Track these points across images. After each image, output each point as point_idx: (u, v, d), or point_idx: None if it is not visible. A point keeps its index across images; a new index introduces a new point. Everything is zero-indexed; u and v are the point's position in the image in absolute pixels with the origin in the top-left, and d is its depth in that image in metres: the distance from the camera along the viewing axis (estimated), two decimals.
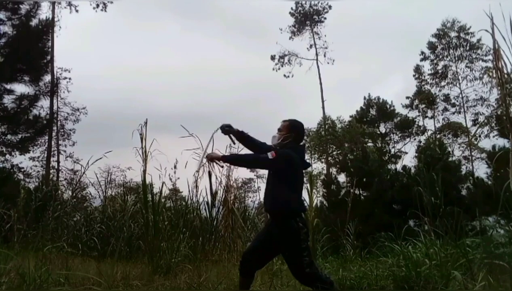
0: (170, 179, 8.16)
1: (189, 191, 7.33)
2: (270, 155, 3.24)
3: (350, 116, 30.02)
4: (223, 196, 7.44)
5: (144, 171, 5.99)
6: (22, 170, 20.45)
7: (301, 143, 3.63)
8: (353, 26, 43.56)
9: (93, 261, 5.90)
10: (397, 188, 14.36)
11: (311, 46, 29.06)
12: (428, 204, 5.01)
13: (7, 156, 16.13)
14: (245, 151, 3.88)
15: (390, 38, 43.10)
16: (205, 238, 7.08)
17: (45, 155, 21.20)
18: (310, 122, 30.22)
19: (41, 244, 5.33)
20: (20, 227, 6.80)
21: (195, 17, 46.32)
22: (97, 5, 23.63)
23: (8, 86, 13.73)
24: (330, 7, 28.63)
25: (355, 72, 42.75)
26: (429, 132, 30.17)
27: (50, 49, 17.96)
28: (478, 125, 29.25)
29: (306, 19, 29.13)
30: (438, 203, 4.92)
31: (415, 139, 29.34)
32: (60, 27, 22.59)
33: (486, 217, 9.21)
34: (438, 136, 29.02)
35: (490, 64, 27.92)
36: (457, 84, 29.74)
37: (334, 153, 31.14)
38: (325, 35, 29.04)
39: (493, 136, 25.39)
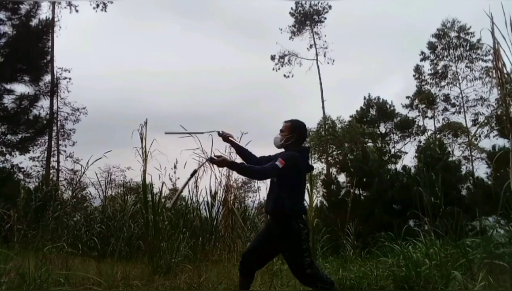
0: (170, 179, 8.21)
1: (189, 191, 7.35)
2: (279, 164, 3.16)
3: (350, 116, 30.09)
4: (223, 196, 7.44)
5: (144, 171, 6.01)
6: (22, 170, 20.42)
7: (306, 145, 3.60)
8: (353, 26, 43.56)
9: (93, 261, 5.89)
10: (397, 188, 14.33)
11: (311, 46, 29.12)
12: (428, 204, 5.01)
13: (7, 156, 16.15)
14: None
15: (390, 38, 43.04)
16: (205, 238, 7.08)
17: (45, 155, 21.19)
18: (310, 122, 30.14)
19: (41, 244, 5.34)
20: (20, 227, 6.79)
21: (195, 17, 46.25)
22: (97, 5, 23.66)
23: (8, 86, 13.75)
24: (330, 7, 28.69)
25: (355, 72, 42.73)
26: (429, 132, 30.24)
27: (50, 49, 17.95)
28: (478, 125, 29.26)
29: (306, 19, 29.12)
30: (438, 203, 4.93)
31: (415, 139, 29.40)
32: (60, 27, 22.61)
33: (486, 217, 9.21)
34: (438, 136, 29.01)
35: (490, 64, 27.98)
36: (457, 84, 29.80)
37: (334, 153, 31.12)
38: (325, 35, 29.10)
39: (493, 136, 25.46)
